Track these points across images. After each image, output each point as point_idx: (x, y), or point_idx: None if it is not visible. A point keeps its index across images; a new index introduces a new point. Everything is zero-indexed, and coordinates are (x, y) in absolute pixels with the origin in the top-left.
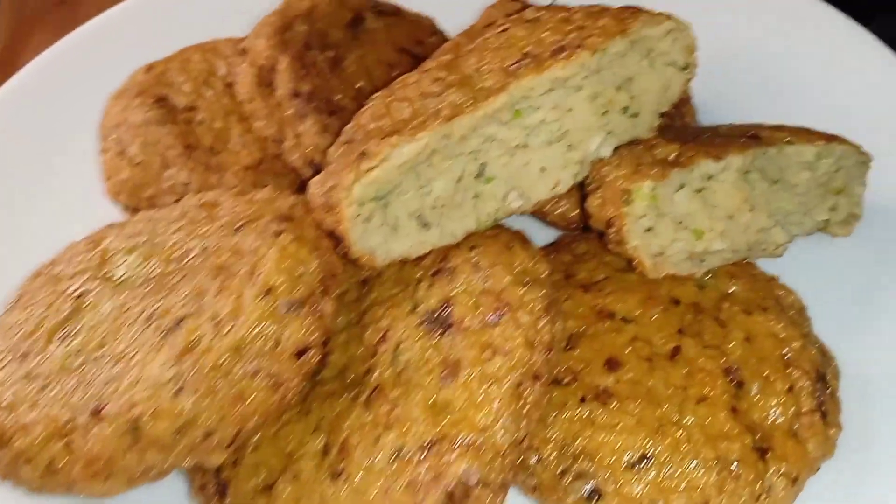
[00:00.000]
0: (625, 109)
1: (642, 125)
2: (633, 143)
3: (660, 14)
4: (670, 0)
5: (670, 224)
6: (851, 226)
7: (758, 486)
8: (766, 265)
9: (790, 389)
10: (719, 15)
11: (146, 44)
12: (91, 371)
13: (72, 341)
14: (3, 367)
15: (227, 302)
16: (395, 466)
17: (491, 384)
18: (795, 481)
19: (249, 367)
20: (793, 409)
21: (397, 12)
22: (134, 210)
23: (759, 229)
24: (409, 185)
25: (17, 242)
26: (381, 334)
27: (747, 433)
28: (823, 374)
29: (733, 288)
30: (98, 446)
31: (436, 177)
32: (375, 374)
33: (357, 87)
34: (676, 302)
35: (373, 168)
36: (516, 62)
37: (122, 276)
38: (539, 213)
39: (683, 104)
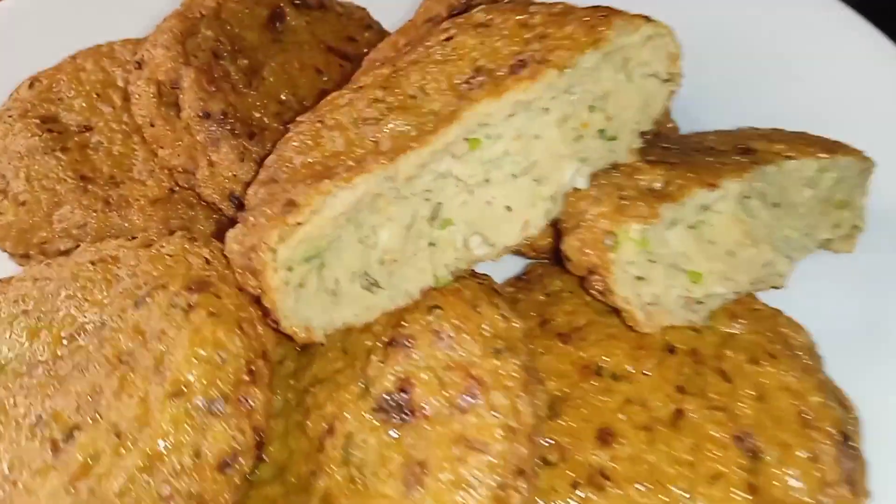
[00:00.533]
0: (601, 132)
1: (621, 148)
2: (611, 168)
3: (636, 17)
4: None
5: (663, 269)
6: (854, 239)
7: None
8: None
9: (813, 457)
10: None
11: (28, 48)
12: None
13: None
14: None
15: (129, 406)
16: None
17: (465, 488)
18: None
19: (163, 490)
20: (818, 480)
21: (322, 5)
22: (22, 257)
23: (763, 264)
24: (348, 238)
25: None
26: (327, 424)
27: None
28: (847, 434)
29: (734, 329)
30: None
31: (381, 224)
32: (324, 477)
33: (280, 100)
34: (671, 350)
35: (302, 222)
36: (468, 80)
37: (5, 356)
38: None
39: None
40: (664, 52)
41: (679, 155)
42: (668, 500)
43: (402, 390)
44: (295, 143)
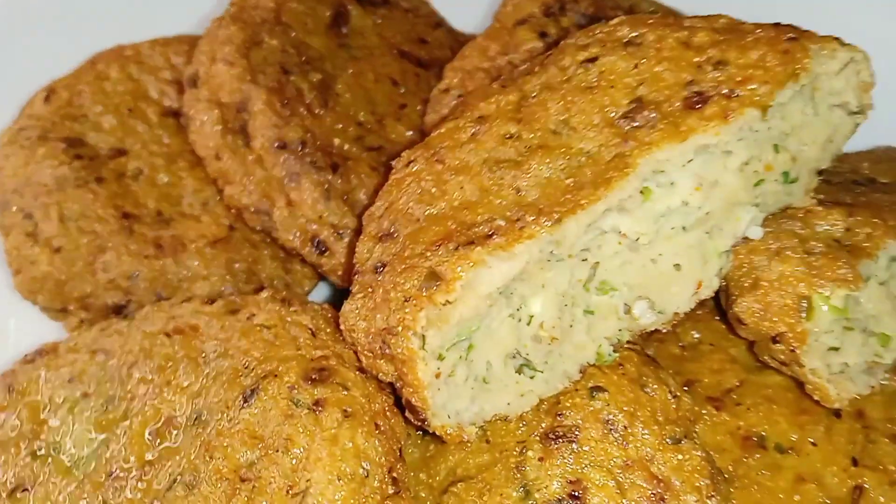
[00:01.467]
0: (785, 175)
1: (799, 191)
2: (781, 212)
3: (828, 39)
4: None
5: (858, 337)
6: None
7: None
8: None
9: None
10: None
11: (34, 47)
12: None
13: None
14: None
15: None
16: None
17: None
18: None
19: None
20: None
21: (387, 1)
22: (58, 312)
23: None
24: (498, 314)
25: None
26: None
27: None
28: None
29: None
30: None
31: (533, 294)
32: None
33: (359, 121)
34: (837, 415)
35: (453, 302)
36: (627, 114)
37: (72, 456)
38: None
39: None
40: (857, 80)
41: (846, 192)
42: None
43: (573, 496)
44: (412, 189)
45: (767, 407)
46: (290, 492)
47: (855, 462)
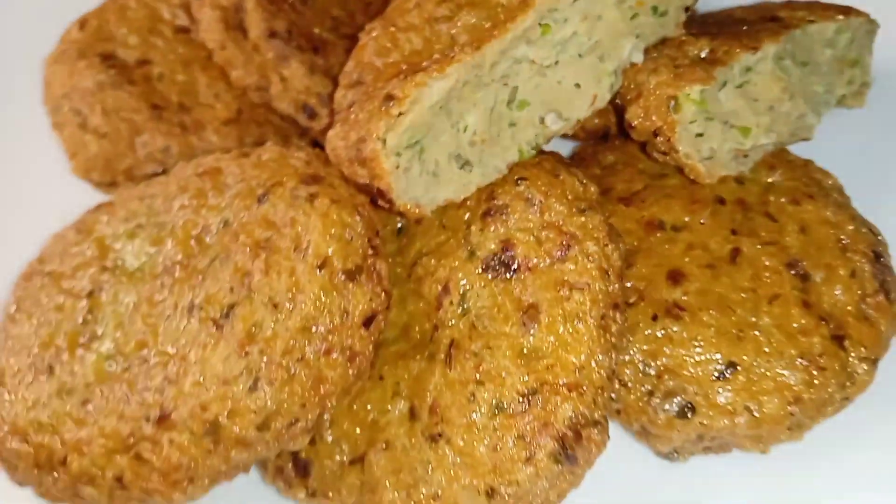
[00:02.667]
0: (654, 9)
1: (669, 23)
2: (661, 43)
3: None
4: None
5: (718, 125)
6: (864, 95)
7: (842, 374)
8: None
9: (853, 274)
10: None
11: None
12: (138, 376)
13: (100, 345)
14: (30, 385)
15: (279, 281)
16: (498, 422)
17: (576, 322)
18: (875, 363)
19: (322, 346)
20: (859, 292)
21: None
22: (109, 185)
23: (798, 116)
24: (441, 124)
25: None
26: (441, 286)
27: (822, 324)
28: (879, 252)
29: (773, 178)
30: (176, 454)
31: (468, 111)
32: (447, 330)
33: (333, 15)
34: (721, 201)
35: (404, 112)
36: None
37: (133, 265)
38: None
39: None
40: None
41: (716, 27)
42: (736, 320)
43: (506, 250)
44: (373, 48)
45: (666, 201)
46: (296, 249)
47: (734, 232)
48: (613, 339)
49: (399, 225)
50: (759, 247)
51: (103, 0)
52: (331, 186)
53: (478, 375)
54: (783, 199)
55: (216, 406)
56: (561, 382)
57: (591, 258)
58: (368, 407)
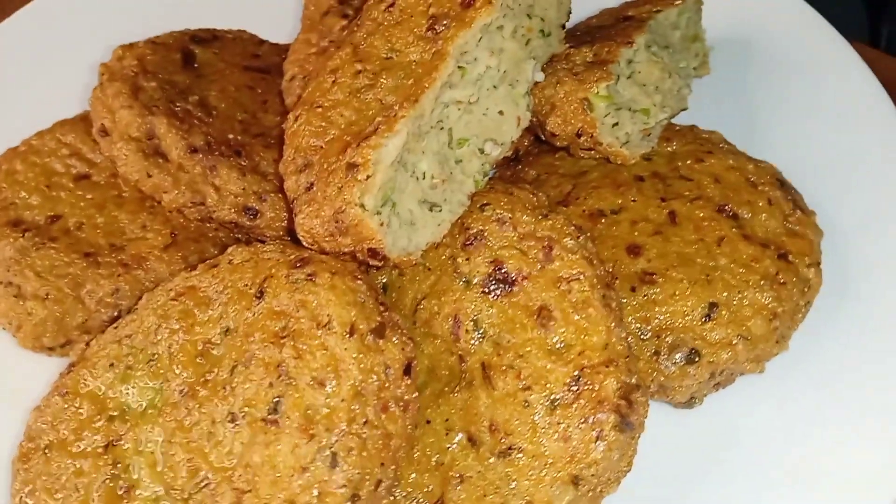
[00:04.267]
0: (541, 32)
1: (554, 41)
2: (552, 61)
3: None
4: None
5: (626, 113)
6: (707, 63)
7: (799, 282)
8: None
9: (769, 202)
10: None
11: None
12: (204, 501)
13: (144, 491)
14: None
15: (315, 360)
16: (557, 415)
17: (585, 308)
18: (818, 266)
19: (378, 404)
20: (780, 214)
21: (215, 36)
22: (63, 346)
23: (677, 90)
24: (402, 178)
25: None
26: (451, 320)
27: (766, 249)
28: (780, 178)
29: (672, 147)
30: None
31: (419, 160)
32: (473, 357)
33: (240, 119)
34: (641, 179)
35: (371, 175)
36: (429, 27)
37: (141, 404)
38: None
39: None
40: None
41: (587, 36)
42: (699, 269)
43: (497, 269)
44: (307, 131)
45: (596, 192)
46: (320, 327)
47: (663, 199)
48: (618, 313)
49: (383, 282)
50: (688, 204)
51: None
52: (321, 262)
53: (522, 383)
54: (689, 161)
55: (304, 495)
56: (596, 362)
57: (573, 251)
58: (428, 452)
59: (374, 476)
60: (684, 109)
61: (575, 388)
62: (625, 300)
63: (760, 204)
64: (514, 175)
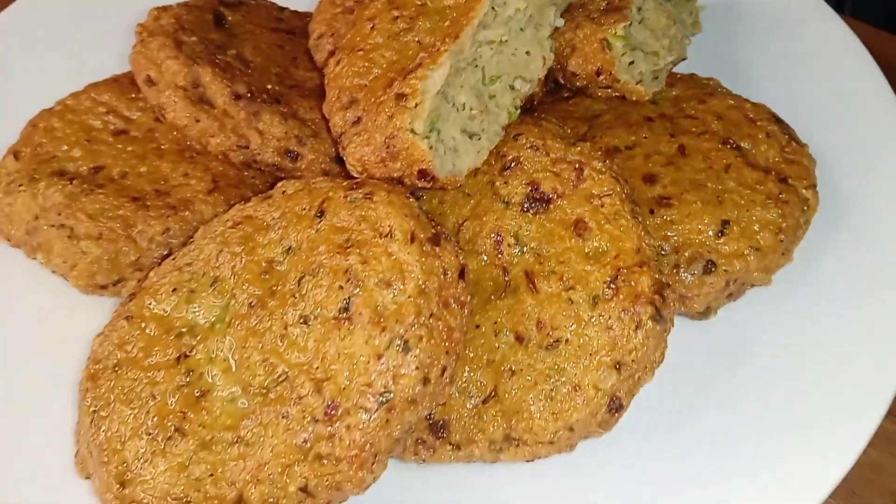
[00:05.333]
0: None
1: None
2: (570, 8)
3: None
4: None
5: (640, 54)
6: (699, 23)
7: (800, 201)
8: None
9: (767, 134)
10: None
11: None
12: (283, 393)
13: (221, 391)
14: (165, 456)
15: (381, 264)
16: (598, 309)
17: (618, 220)
18: (814, 188)
19: (439, 301)
20: (778, 145)
21: (241, 2)
22: (115, 284)
23: (681, 37)
24: (445, 108)
25: None
26: (493, 237)
27: (768, 174)
28: (775, 115)
29: (676, 92)
30: (357, 436)
31: (458, 93)
32: (516, 268)
33: (275, 72)
34: (650, 119)
35: (420, 103)
36: None
37: (209, 320)
38: None
39: None
40: None
41: None
42: (710, 191)
43: (535, 189)
44: (350, 72)
45: (611, 132)
46: (382, 236)
47: (672, 135)
48: (643, 224)
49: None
50: (696, 138)
51: (22, 130)
52: (375, 184)
53: (564, 284)
54: (693, 103)
55: (381, 379)
56: (631, 263)
57: (602, 172)
58: (479, 352)
59: (440, 362)
60: (684, 59)
61: (613, 286)
62: (646, 221)
63: (760, 136)
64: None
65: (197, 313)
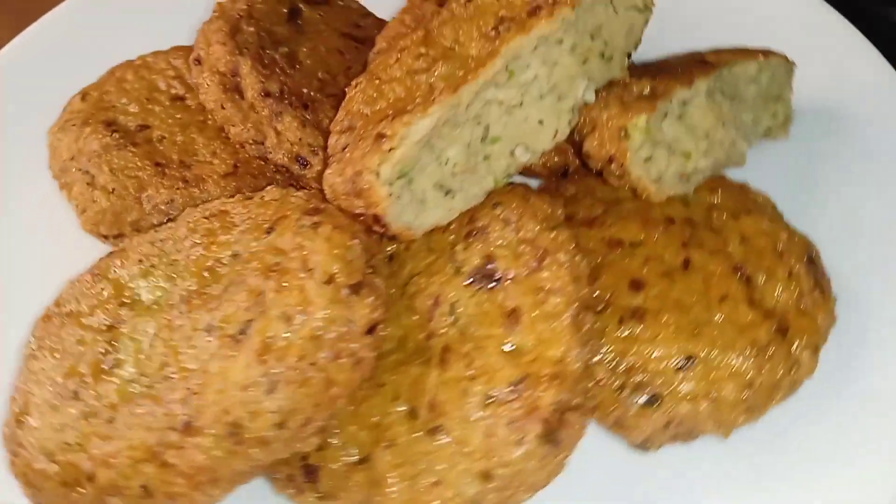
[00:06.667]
0: (601, 55)
1: (615, 67)
2: (610, 85)
3: None
4: None
5: (664, 151)
6: (788, 126)
7: (788, 360)
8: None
9: (790, 275)
10: None
11: (60, 66)
12: (162, 391)
13: (122, 371)
14: (56, 412)
15: (290, 297)
16: (490, 411)
17: (553, 322)
18: (816, 351)
19: (331, 352)
20: (796, 290)
21: (326, 1)
22: (116, 238)
23: (730, 143)
24: (427, 158)
25: None
26: (432, 300)
27: (767, 319)
28: (812, 256)
29: (715, 199)
30: (200, 457)
31: (448, 146)
32: (439, 337)
33: (319, 77)
34: (671, 221)
35: (394, 148)
36: (494, 27)
37: (150, 299)
38: None
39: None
40: None
41: (655, 71)
42: (692, 319)
43: (488, 264)
44: (360, 98)
45: (623, 223)
46: (304, 270)
47: (684, 245)
48: (586, 336)
49: (390, 252)
50: (707, 256)
51: (101, 75)
52: (331, 216)
53: (470, 372)
54: (724, 215)
55: (238, 410)
56: (543, 373)
57: (563, 266)
58: (372, 411)
59: (304, 412)
60: (738, 165)
61: (514, 391)
62: (609, 329)
63: (779, 273)
64: (555, 189)
65: (145, 290)
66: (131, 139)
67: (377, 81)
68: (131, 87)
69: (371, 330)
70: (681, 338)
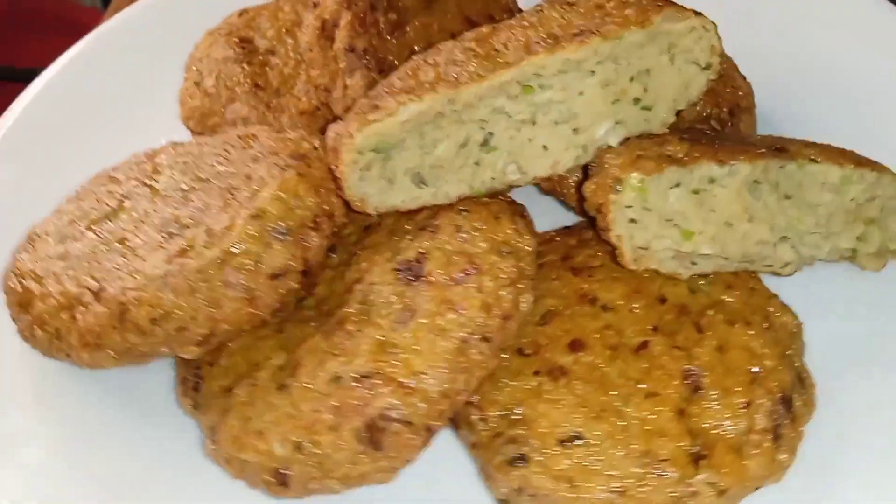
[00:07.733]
0: (636, 101)
1: (655, 119)
2: (644, 136)
3: (685, 10)
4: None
5: (657, 219)
6: (884, 260)
7: (681, 487)
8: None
9: (747, 405)
10: (795, 24)
11: None
12: (106, 258)
13: (104, 233)
14: (46, 247)
15: (223, 218)
16: (329, 389)
17: (437, 335)
18: (723, 493)
19: (228, 279)
20: (744, 424)
21: None
22: (198, 135)
23: (757, 241)
24: (412, 142)
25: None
26: (359, 275)
27: (687, 436)
28: (790, 398)
29: (726, 297)
30: (92, 321)
31: (441, 139)
32: (343, 310)
33: (413, 50)
34: (663, 300)
35: (377, 120)
36: (539, 41)
37: (162, 187)
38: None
39: (743, 112)
40: (706, 43)
41: (712, 140)
42: (604, 401)
43: (418, 261)
44: (400, 73)
45: (611, 283)
46: (249, 199)
47: (655, 329)
48: (467, 365)
49: (369, 223)
50: (667, 347)
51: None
52: (307, 165)
53: (335, 351)
54: (720, 317)
55: (132, 294)
56: (395, 378)
57: (481, 291)
58: (259, 352)
59: (180, 320)
60: (780, 274)
61: (358, 381)
62: (521, 374)
63: (735, 400)
64: (580, 227)
65: (167, 177)
66: (251, 58)
67: (422, 61)
68: (282, 16)
69: (276, 276)
70: (580, 412)
